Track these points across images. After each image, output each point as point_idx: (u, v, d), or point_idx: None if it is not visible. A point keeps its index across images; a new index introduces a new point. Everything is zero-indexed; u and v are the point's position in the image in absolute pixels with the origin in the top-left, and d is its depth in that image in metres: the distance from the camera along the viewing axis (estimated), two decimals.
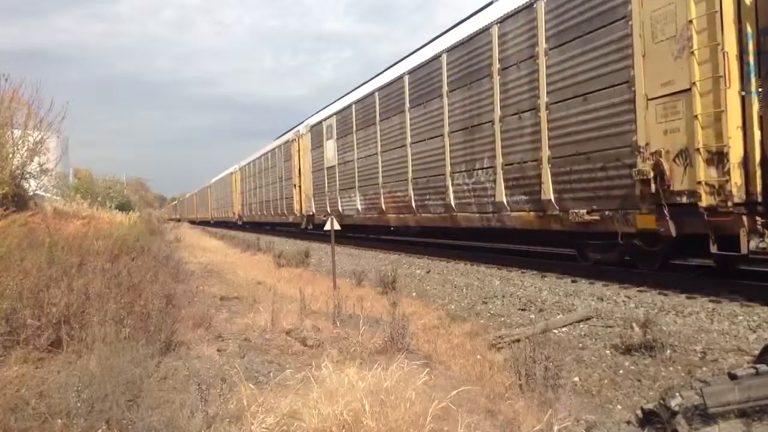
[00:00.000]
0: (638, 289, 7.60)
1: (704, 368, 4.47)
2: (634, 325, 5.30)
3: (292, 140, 25.07)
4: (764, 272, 8.10)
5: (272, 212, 29.33)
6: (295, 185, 24.37)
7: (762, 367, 3.44)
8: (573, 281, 8.63)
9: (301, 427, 3.15)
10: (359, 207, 17.20)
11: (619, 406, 4.12)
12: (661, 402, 3.39)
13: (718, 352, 4.77)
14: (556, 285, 8.50)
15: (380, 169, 15.67)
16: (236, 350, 5.23)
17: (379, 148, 15.72)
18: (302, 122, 25.06)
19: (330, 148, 19.83)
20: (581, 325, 6.11)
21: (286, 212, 26.40)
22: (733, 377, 3.41)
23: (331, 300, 6.75)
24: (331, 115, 19.92)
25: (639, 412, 3.64)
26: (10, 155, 12.59)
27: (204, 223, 59.53)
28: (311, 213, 22.24)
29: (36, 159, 14.25)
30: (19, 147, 13.06)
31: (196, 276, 10.88)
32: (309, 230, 23.73)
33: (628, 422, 3.69)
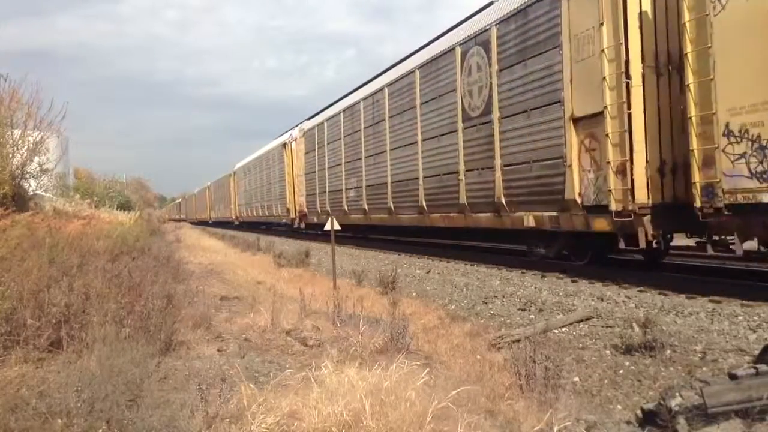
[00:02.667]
0: (638, 289, 7.59)
1: (704, 368, 4.47)
2: (634, 325, 5.31)
3: None
4: (765, 272, 8.10)
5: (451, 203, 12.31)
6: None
7: (762, 367, 3.45)
8: (573, 281, 8.63)
9: (301, 427, 3.15)
10: None
11: (619, 406, 4.12)
12: (661, 402, 3.39)
13: (718, 352, 4.76)
14: (556, 285, 8.50)
15: None
16: (236, 350, 5.23)
17: None
18: None
19: None
20: (581, 325, 6.11)
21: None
22: (733, 377, 3.42)
23: (331, 300, 6.75)
24: None
25: (639, 412, 3.64)
26: (10, 155, 12.60)
27: (221, 224, 46.62)
28: None
29: (36, 159, 14.26)
30: (19, 147, 13.07)
31: (196, 276, 10.88)
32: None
33: (629, 422, 3.69)
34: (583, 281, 8.51)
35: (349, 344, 5.22)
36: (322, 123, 21.21)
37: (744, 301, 6.38)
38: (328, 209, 20.11)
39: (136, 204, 45.60)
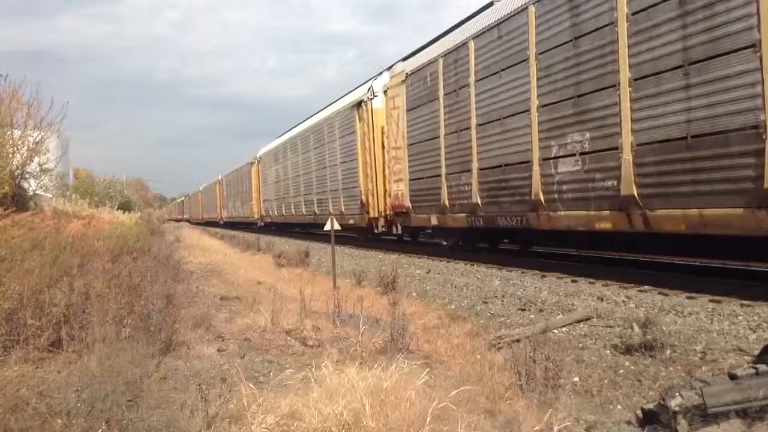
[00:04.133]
0: (638, 289, 7.59)
1: (704, 368, 4.47)
2: (634, 325, 5.30)
3: None
4: (764, 272, 8.10)
5: None
6: None
7: (762, 367, 3.45)
8: (573, 281, 8.63)
9: (301, 427, 3.15)
10: None
11: (619, 406, 4.12)
12: (661, 402, 3.39)
13: (718, 352, 4.77)
14: (556, 285, 8.50)
15: None
16: (236, 350, 5.23)
17: None
18: None
19: None
20: (581, 325, 6.11)
21: None
22: (733, 377, 3.42)
23: (331, 300, 6.75)
24: None
25: (639, 412, 3.64)
26: (10, 155, 12.61)
27: (235, 226, 38.38)
28: None
29: (36, 159, 14.28)
30: (19, 147, 13.08)
31: (196, 276, 10.88)
32: None
33: (628, 422, 3.69)
34: (583, 281, 8.50)
35: (349, 344, 5.22)
36: (464, 44, 11.43)
37: (744, 301, 6.38)
38: (478, 201, 11.19)
39: (136, 204, 45.55)
